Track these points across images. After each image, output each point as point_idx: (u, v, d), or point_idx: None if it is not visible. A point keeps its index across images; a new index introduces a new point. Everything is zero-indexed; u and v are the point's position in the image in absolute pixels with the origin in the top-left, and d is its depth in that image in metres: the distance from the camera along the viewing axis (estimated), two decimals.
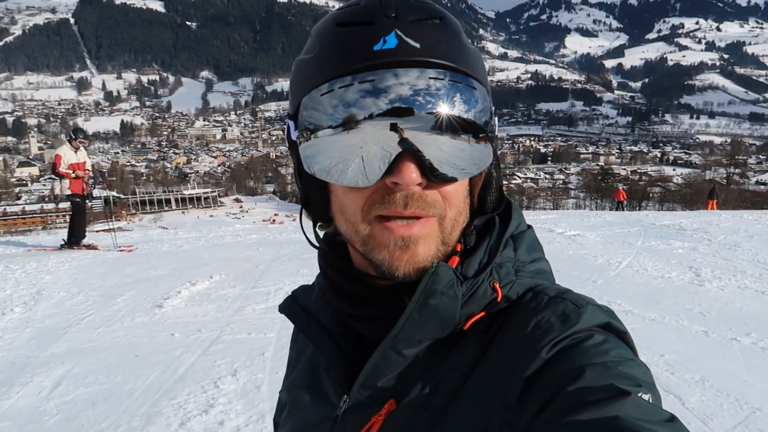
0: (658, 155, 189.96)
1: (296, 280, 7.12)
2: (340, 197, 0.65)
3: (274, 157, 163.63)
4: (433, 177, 0.60)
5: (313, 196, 0.70)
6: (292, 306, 0.79)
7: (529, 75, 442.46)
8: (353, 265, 0.71)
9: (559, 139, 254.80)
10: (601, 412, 0.50)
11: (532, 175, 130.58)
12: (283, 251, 9.37)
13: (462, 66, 0.61)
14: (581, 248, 8.69)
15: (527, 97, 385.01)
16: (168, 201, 66.76)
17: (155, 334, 5.12)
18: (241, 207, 66.93)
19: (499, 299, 0.65)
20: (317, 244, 0.76)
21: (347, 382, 0.69)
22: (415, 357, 0.65)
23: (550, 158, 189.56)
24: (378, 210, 0.61)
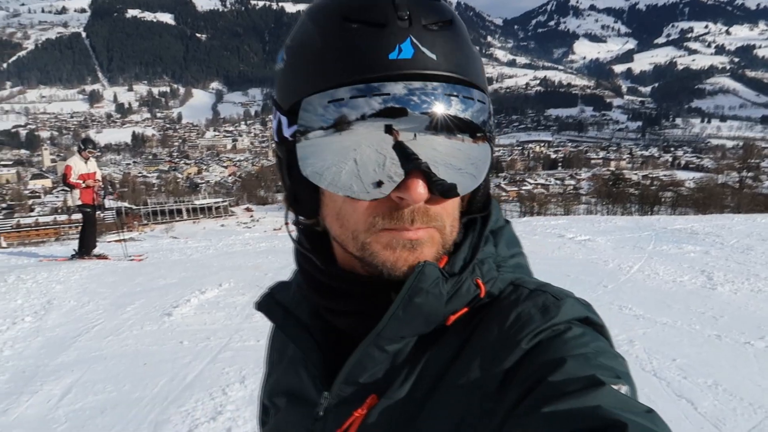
0: (670, 159, 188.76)
1: None
2: (339, 204, 0.64)
3: None
4: (439, 193, 0.59)
5: (304, 196, 0.68)
6: (269, 303, 0.78)
7: (537, 81, 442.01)
8: (335, 260, 0.70)
9: (570, 144, 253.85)
10: (582, 401, 0.51)
11: (542, 181, 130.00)
12: (293, 259, 9.38)
13: (472, 77, 0.60)
14: (592, 253, 8.62)
15: (536, 103, 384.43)
16: (179, 211, 67.18)
17: (164, 343, 5.12)
18: (251, 216, 67.14)
19: (482, 295, 0.66)
20: (297, 241, 0.75)
21: (328, 378, 0.68)
22: (397, 353, 0.65)
23: (560, 164, 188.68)
24: (384, 224, 0.60)
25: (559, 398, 0.51)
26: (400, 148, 0.57)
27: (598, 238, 9.88)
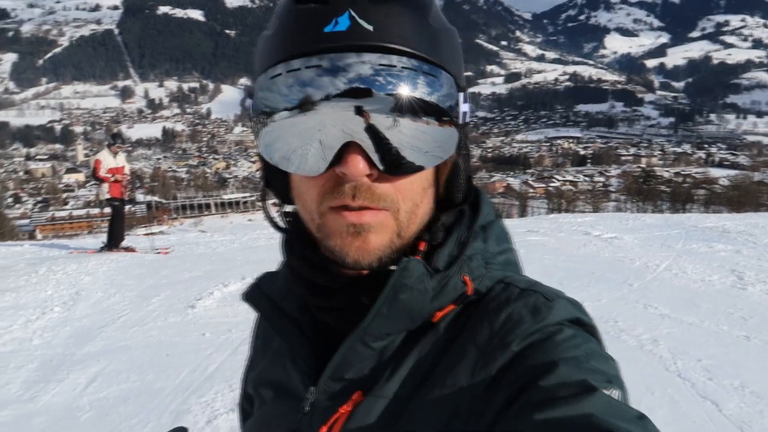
0: (703, 156, 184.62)
1: None
2: (297, 183, 0.65)
3: None
4: (382, 169, 0.58)
5: (273, 178, 0.70)
6: (255, 294, 0.77)
7: (567, 76, 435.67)
8: (319, 252, 0.67)
9: (599, 141, 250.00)
10: (574, 408, 0.50)
11: (571, 178, 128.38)
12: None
13: (419, 49, 0.57)
14: (618, 251, 8.47)
15: (565, 98, 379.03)
16: (208, 205, 68.11)
17: (187, 334, 5.20)
18: (276, 210, 67.88)
19: (469, 292, 0.65)
20: (281, 227, 0.74)
21: (315, 373, 0.67)
22: (383, 349, 0.64)
23: (589, 161, 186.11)
24: (329, 201, 0.60)
25: (551, 404, 0.51)
26: (336, 123, 0.56)
27: (625, 236, 9.71)
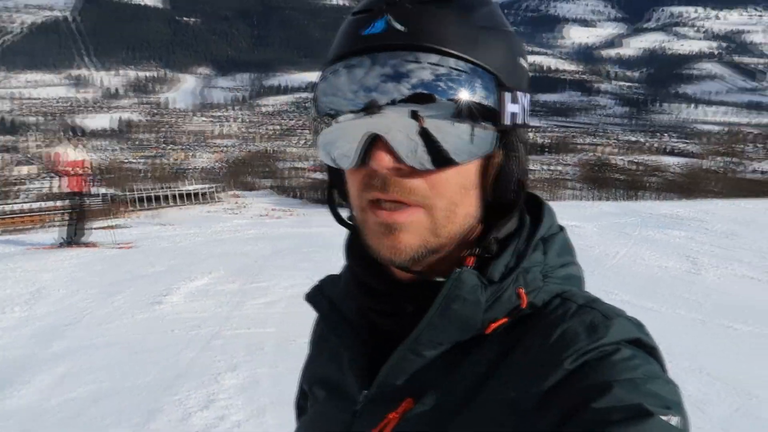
0: (656, 145, 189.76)
1: (294, 275, 7.15)
2: (348, 180, 0.66)
3: (272, 151, 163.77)
4: (408, 163, 0.59)
5: (333, 178, 0.73)
6: (317, 296, 0.78)
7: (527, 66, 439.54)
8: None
9: (557, 130, 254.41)
10: None
11: (530, 167, 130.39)
12: (281, 246, 9.39)
13: (451, 47, 0.58)
14: (578, 239, 8.66)
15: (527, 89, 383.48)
16: (166, 197, 66.53)
17: (155, 331, 5.15)
18: (237, 202, 66.73)
19: (523, 306, 0.64)
20: (349, 223, 0.74)
21: (368, 376, 0.68)
22: (434, 358, 0.64)
23: (547, 150, 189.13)
24: (365, 194, 0.62)
25: (603, 428, 0.50)
26: (361, 119, 0.59)
27: (585, 224, 9.98)
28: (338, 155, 0.62)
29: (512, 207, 0.66)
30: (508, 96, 0.62)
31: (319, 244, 9.61)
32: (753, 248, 7.66)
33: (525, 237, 0.67)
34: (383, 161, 0.58)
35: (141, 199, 64.89)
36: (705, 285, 5.94)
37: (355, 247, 0.72)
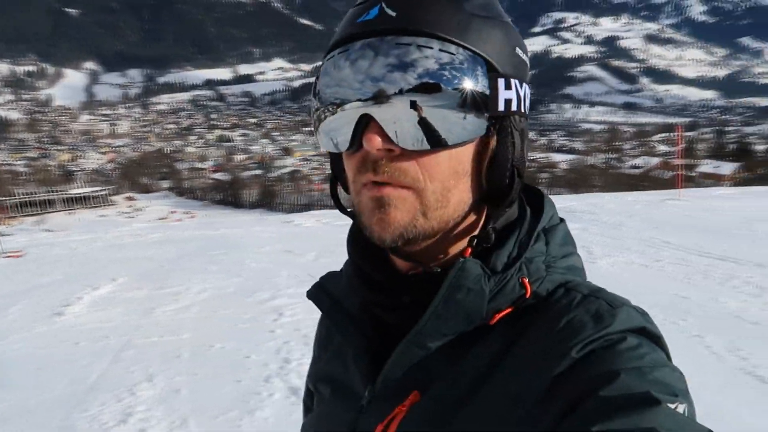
0: (546, 143, 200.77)
1: (205, 278, 6.96)
2: (345, 166, 0.67)
3: (168, 151, 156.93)
4: (398, 144, 0.59)
5: (335, 167, 0.73)
6: (318, 293, 0.78)
7: None
8: (378, 247, 0.69)
9: None
10: (634, 421, 0.49)
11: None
12: (188, 249, 9.09)
13: (442, 31, 0.59)
14: None
15: None
16: (52, 202, 61.76)
17: (58, 344, 4.84)
18: (131, 206, 63.26)
19: (528, 295, 0.64)
20: (349, 211, 0.73)
21: (373, 372, 0.68)
22: (439, 350, 0.64)
23: None
24: (360, 177, 0.62)
25: (610, 416, 0.50)
26: (355, 102, 0.60)
27: None
28: (336, 140, 0.63)
29: (507, 194, 0.66)
30: (501, 82, 0.62)
31: (228, 245, 9.40)
32: (638, 237, 8.38)
33: (527, 228, 0.67)
34: (373, 142, 0.59)
35: (24, 204, 59.90)
36: (601, 273, 6.43)
37: (358, 239, 0.73)
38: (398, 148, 0.60)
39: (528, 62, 0.67)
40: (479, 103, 0.60)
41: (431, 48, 0.58)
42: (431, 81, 0.58)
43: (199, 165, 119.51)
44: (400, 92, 0.58)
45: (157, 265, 7.79)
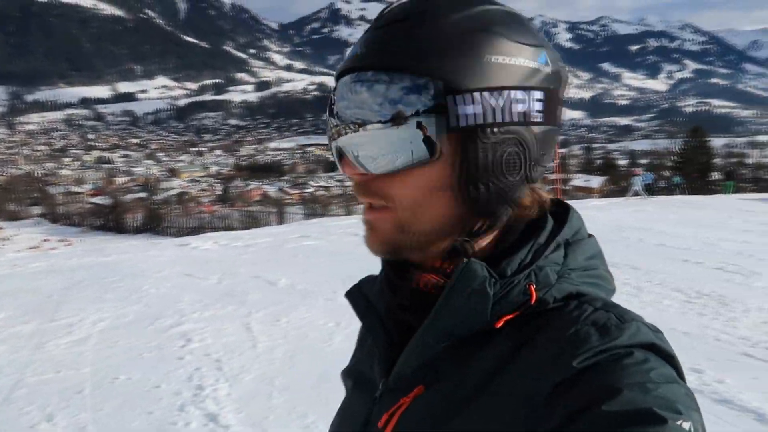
0: None
1: (101, 307, 6.55)
2: None
3: (39, 175, 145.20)
4: (359, 170, 0.66)
5: None
6: (355, 294, 0.83)
7: (315, 86, 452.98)
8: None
9: None
10: None
11: (323, 183, 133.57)
12: (78, 277, 8.49)
13: (390, 62, 0.62)
14: None
15: (314, 107, 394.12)
16: None
17: None
18: None
19: (532, 302, 0.64)
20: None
21: (391, 369, 0.72)
22: (446, 350, 0.66)
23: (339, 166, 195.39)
24: (359, 198, 0.69)
25: (611, 431, 0.49)
26: (332, 133, 0.69)
27: None
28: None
29: (488, 209, 0.66)
30: (458, 99, 0.61)
31: (122, 272, 8.86)
32: None
33: (546, 237, 0.68)
34: (345, 170, 0.68)
35: None
36: None
37: None
38: (369, 173, 0.65)
39: (527, 64, 0.64)
40: (423, 124, 0.61)
41: (379, 81, 0.62)
42: (378, 111, 0.62)
43: (76, 189, 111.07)
44: (353, 124, 0.64)
45: (44, 296, 7.21)
